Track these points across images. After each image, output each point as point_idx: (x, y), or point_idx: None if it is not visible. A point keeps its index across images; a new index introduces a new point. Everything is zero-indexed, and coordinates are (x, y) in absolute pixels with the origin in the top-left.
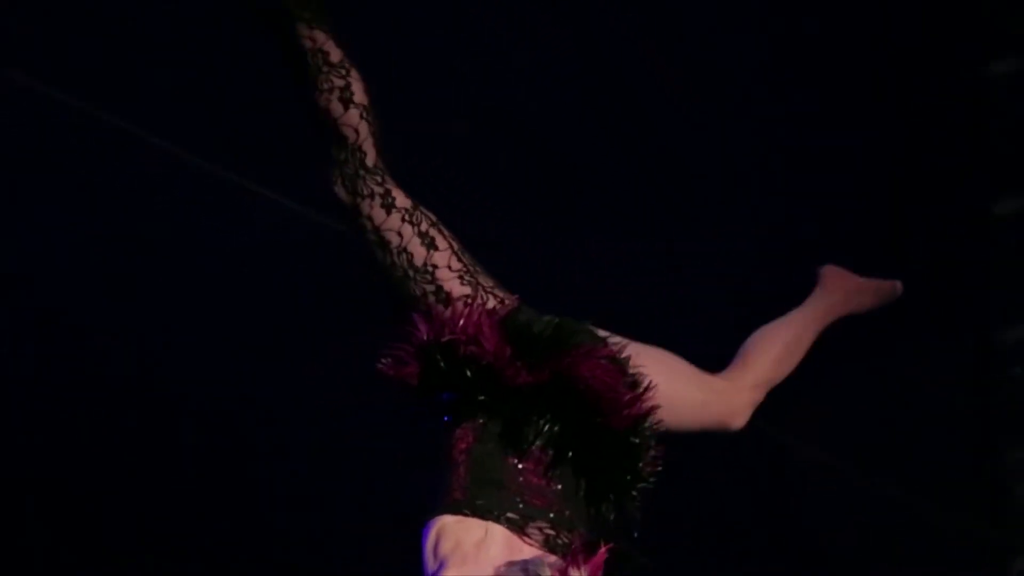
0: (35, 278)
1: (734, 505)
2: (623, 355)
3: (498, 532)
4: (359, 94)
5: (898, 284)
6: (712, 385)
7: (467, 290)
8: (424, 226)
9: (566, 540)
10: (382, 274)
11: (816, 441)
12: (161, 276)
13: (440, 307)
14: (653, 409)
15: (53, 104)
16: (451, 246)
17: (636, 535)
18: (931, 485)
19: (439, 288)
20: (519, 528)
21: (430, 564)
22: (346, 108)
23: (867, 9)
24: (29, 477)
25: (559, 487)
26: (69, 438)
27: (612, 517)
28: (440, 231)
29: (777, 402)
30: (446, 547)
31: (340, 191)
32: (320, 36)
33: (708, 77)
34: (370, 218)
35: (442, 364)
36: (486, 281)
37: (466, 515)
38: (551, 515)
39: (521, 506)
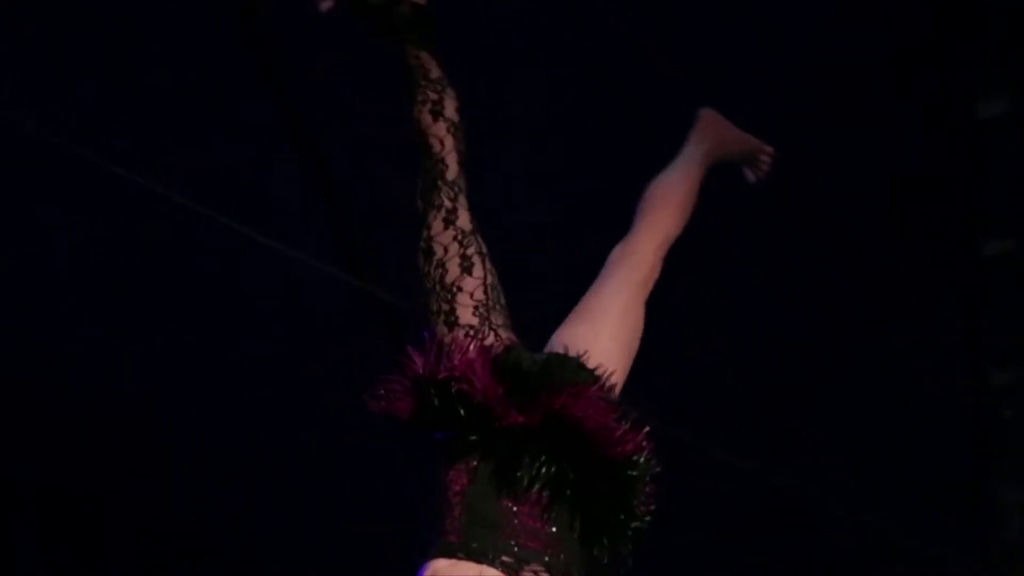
0: (35, 278)
1: (733, 507)
2: (610, 386)
3: None
4: (450, 110)
5: (769, 148)
6: (622, 280)
7: (474, 321)
8: (470, 251)
9: None
10: (419, 279)
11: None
12: (161, 276)
13: (444, 330)
14: (646, 443)
15: (52, 105)
16: (485, 278)
17: None
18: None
19: (452, 310)
20: (514, 571)
21: None
22: (435, 120)
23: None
24: (28, 478)
25: (554, 529)
26: (68, 438)
27: (606, 560)
28: (483, 261)
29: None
30: None
31: (417, 198)
32: (425, 56)
33: (708, 77)
34: (429, 227)
35: (436, 401)
36: (497, 318)
37: (460, 558)
38: (546, 558)
39: (516, 549)
